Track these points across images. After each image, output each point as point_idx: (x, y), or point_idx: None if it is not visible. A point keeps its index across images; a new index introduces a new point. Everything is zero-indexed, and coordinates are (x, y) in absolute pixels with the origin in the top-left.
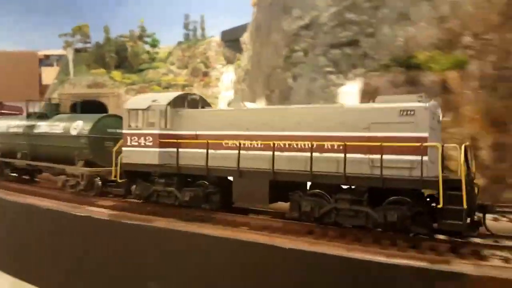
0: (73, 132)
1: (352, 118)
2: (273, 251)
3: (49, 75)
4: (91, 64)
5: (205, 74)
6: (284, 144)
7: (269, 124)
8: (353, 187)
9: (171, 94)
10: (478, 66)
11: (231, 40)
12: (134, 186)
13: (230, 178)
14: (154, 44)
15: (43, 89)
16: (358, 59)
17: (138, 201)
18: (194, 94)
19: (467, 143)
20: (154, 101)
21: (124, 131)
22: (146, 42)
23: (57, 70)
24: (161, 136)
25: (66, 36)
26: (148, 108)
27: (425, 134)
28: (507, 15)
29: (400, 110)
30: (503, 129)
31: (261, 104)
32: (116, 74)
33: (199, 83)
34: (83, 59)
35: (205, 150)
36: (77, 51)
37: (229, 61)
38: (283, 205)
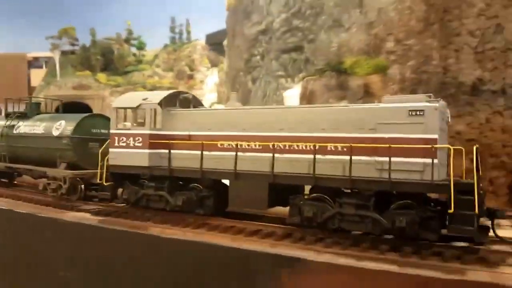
0: (55, 133)
1: (357, 118)
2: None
3: (37, 77)
4: (77, 66)
5: (190, 77)
6: (284, 146)
7: (267, 125)
8: (357, 191)
9: (163, 93)
10: (398, 70)
11: (216, 43)
12: (120, 190)
13: (225, 181)
14: (140, 47)
15: (31, 90)
16: (302, 64)
17: (125, 205)
18: (187, 92)
19: (477, 146)
20: (144, 99)
21: (111, 131)
22: (132, 45)
23: (46, 72)
24: (152, 136)
25: (53, 38)
26: (138, 107)
27: (435, 136)
28: (427, 22)
29: (409, 110)
30: None
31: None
32: (101, 76)
33: (184, 85)
34: (70, 61)
35: (198, 152)
36: (65, 53)
37: (214, 64)
38: (280, 210)
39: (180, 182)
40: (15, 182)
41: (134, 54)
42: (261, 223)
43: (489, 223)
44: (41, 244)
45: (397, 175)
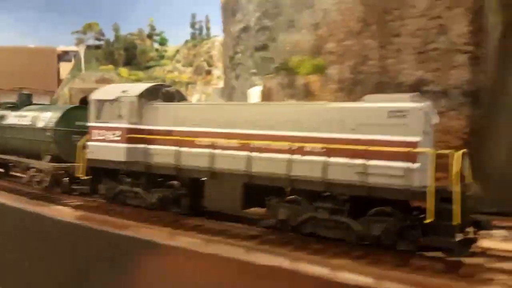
0: (40, 125)
1: (338, 118)
2: None
3: (66, 70)
4: (101, 61)
5: (208, 72)
6: (262, 144)
7: (247, 122)
8: (333, 195)
9: (143, 85)
10: (337, 70)
11: None
12: (101, 185)
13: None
14: (162, 43)
15: (60, 83)
16: (267, 62)
17: (104, 201)
18: (169, 86)
19: (464, 150)
20: (123, 92)
21: (89, 124)
22: (155, 41)
23: (72, 65)
24: (130, 130)
25: (78, 33)
26: (116, 99)
27: (417, 139)
28: (365, 22)
29: (391, 111)
30: None
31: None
32: (123, 70)
33: (202, 81)
34: (95, 55)
35: (176, 148)
36: (90, 47)
37: None
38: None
39: (160, 179)
40: (12, 173)
41: (157, 50)
42: None
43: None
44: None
45: (377, 179)
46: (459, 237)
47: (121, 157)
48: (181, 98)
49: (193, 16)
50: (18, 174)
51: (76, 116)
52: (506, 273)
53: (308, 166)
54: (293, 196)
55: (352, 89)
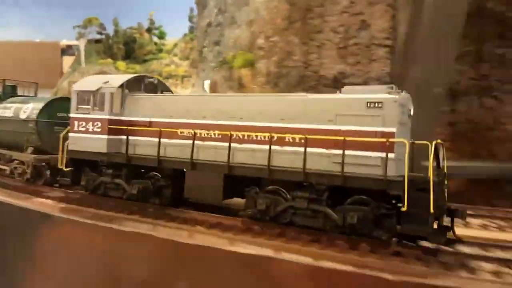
0: (22, 116)
1: (316, 109)
2: None
3: (69, 63)
4: (101, 54)
5: None
6: (243, 135)
7: (227, 113)
8: (311, 185)
9: (125, 76)
10: (265, 64)
11: None
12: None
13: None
14: (161, 36)
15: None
16: (219, 56)
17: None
18: (152, 77)
19: (439, 141)
20: (105, 83)
21: (71, 115)
22: (154, 34)
23: (73, 59)
24: (111, 122)
25: (79, 27)
26: (97, 90)
27: (393, 129)
28: (290, 20)
29: (368, 102)
30: None
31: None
32: (121, 64)
33: (196, 74)
34: (95, 49)
35: (157, 139)
36: (93, 42)
37: None
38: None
39: (142, 170)
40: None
41: (155, 43)
42: None
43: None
44: None
45: (354, 169)
46: (434, 225)
47: (102, 149)
48: (164, 89)
49: (191, 10)
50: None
51: (58, 107)
52: (485, 260)
53: (288, 156)
54: (272, 187)
55: (277, 82)
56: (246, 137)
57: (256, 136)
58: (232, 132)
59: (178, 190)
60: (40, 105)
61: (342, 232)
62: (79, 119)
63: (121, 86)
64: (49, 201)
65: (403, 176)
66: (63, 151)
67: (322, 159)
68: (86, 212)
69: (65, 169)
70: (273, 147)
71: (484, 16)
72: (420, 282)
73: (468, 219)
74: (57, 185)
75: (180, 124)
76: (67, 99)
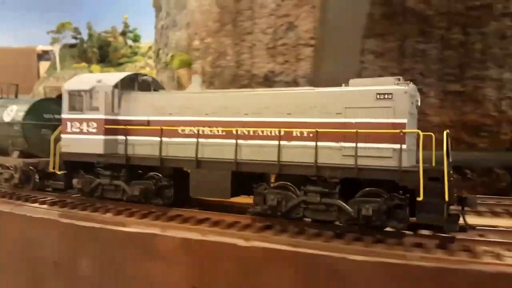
0: (7, 119)
1: (324, 102)
2: None
3: (46, 69)
4: (76, 59)
5: None
6: (248, 131)
7: (231, 109)
8: (323, 178)
9: (119, 74)
10: (200, 64)
11: None
12: (75, 179)
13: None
14: (135, 39)
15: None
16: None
17: (80, 196)
18: (146, 75)
19: (448, 131)
20: (98, 81)
21: (63, 116)
22: (129, 37)
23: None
24: (107, 121)
25: (53, 32)
26: (91, 90)
27: (404, 120)
28: (221, 23)
29: (377, 94)
30: None
31: None
32: (95, 68)
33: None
34: (71, 54)
35: (158, 138)
36: (67, 46)
37: None
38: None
39: (140, 171)
40: None
41: (130, 46)
42: None
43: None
44: None
45: (365, 161)
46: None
47: (99, 150)
48: (158, 87)
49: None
50: None
51: (45, 108)
52: (498, 245)
53: (297, 151)
54: (282, 182)
55: (212, 81)
56: (252, 133)
57: (262, 131)
58: (238, 128)
59: (181, 189)
60: (25, 107)
61: (355, 224)
62: (72, 120)
63: (116, 85)
64: None
65: (416, 166)
66: (54, 154)
67: (332, 153)
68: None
69: (58, 173)
70: (281, 142)
71: (406, 15)
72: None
73: None
74: (49, 189)
75: (181, 122)
76: (53, 100)
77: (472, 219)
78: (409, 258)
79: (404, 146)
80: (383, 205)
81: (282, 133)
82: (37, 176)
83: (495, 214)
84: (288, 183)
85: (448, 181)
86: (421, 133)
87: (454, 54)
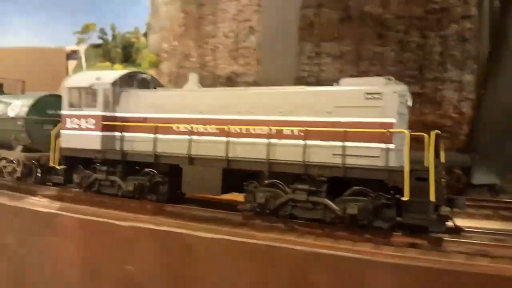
0: (11, 114)
1: (314, 101)
2: None
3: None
4: (100, 58)
5: None
6: (240, 129)
7: (224, 107)
8: (311, 177)
9: (117, 72)
10: (167, 66)
11: None
12: (75, 174)
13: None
14: None
15: None
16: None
17: (79, 190)
18: (145, 73)
19: (437, 131)
20: (97, 79)
21: (63, 112)
22: None
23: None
24: (105, 118)
25: (79, 33)
26: (90, 87)
27: (392, 120)
28: (186, 27)
29: (366, 93)
30: None
31: None
32: (118, 67)
33: None
34: (97, 54)
35: (150, 135)
36: (94, 46)
37: None
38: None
39: (137, 167)
40: None
41: None
42: None
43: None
44: None
45: (353, 160)
46: (434, 215)
47: (96, 146)
48: (157, 84)
49: None
50: None
51: (48, 104)
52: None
53: (287, 149)
54: (271, 180)
55: (178, 81)
56: (244, 131)
57: (254, 129)
58: (230, 126)
59: (175, 185)
60: (28, 102)
61: (341, 223)
62: (71, 116)
63: (114, 82)
64: None
65: (403, 166)
66: (55, 149)
67: (321, 151)
68: None
69: (58, 167)
70: (271, 140)
71: (364, 19)
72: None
73: None
74: (49, 183)
75: (176, 119)
76: (56, 96)
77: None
78: (242, 235)
79: (391, 146)
80: (369, 204)
81: (273, 131)
82: (39, 170)
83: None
84: (279, 182)
85: (437, 181)
86: (407, 133)
87: (413, 56)
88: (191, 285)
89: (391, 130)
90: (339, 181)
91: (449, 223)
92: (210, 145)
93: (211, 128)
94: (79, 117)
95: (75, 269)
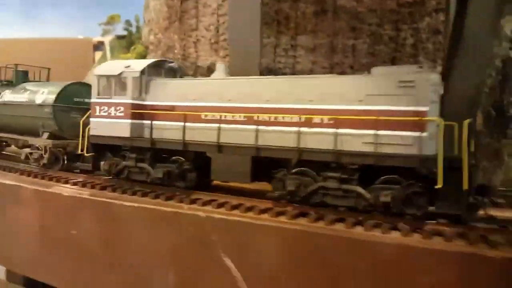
0: (38, 101)
1: (345, 90)
2: None
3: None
4: (124, 49)
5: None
6: (269, 118)
7: (253, 96)
8: (342, 165)
9: (146, 61)
10: (153, 57)
11: None
12: (102, 161)
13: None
14: None
15: None
16: None
17: (107, 177)
18: (172, 61)
19: (470, 120)
20: (127, 67)
21: (92, 100)
22: None
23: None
24: (134, 106)
25: (104, 24)
26: (120, 75)
27: (425, 108)
28: (170, 20)
29: (399, 81)
30: None
31: None
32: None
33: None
34: (120, 45)
35: (182, 123)
36: (119, 38)
37: None
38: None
39: (164, 155)
40: (3, 152)
41: None
42: None
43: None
44: None
45: (385, 149)
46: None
47: (126, 133)
48: (183, 74)
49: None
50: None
51: (75, 92)
52: None
53: (317, 137)
54: (301, 168)
55: None
56: (273, 119)
57: (283, 118)
58: (259, 115)
59: (203, 173)
60: (56, 89)
61: (374, 211)
62: (100, 104)
63: (143, 70)
64: None
65: (436, 154)
66: (83, 136)
67: (352, 140)
68: None
69: (86, 155)
70: (301, 128)
71: (338, 12)
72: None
73: None
74: (77, 170)
75: (204, 108)
76: (84, 84)
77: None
78: (151, 203)
79: (424, 134)
80: (402, 192)
81: (303, 119)
82: (65, 158)
83: None
84: (307, 169)
85: (470, 170)
86: (442, 122)
87: (385, 49)
88: (119, 247)
89: (425, 118)
90: (369, 170)
91: (482, 212)
92: (239, 133)
93: (239, 116)
94: (108, 105)
95: (33, 235)
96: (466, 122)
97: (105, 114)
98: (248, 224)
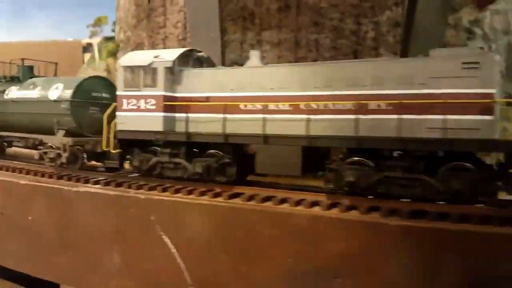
0: (52, 97)
1: (404, 73)
2: None
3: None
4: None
5: None
6: (318, 105)
7: (300, 83)
8: (404, 153)
9: (176, 50)
10: (123, 54)
11: None
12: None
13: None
14: None
15: None
16: None
17: (135, 174)
18: (200, 51)
19: None
20: (156, 57)
21: (118, 93)
22: None
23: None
24: (166, 98)
25: (92, 26)
26: (149, 65)
27: (493, 90)
28: (138, 18)
29: (463, 63)
30: None
31: None
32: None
33: None
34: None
35: (218, 115)
36: (106, 39)
37: None
38: None
39: (194, 149)
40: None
41: None
42: None
43: None
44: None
45: (453, 134)
46: None
47: (158, 127)
48: (211, 64)
49: None
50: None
51: (92, 86)
52: None
53: (378, 124)
54: (355, 158)
55: None
56: (323, 107)
57: (334, 105)
58: (308, 103)
59: (244, 166)
60: (72, 84)
61: (444, 199)
62: (128, 97)
63: (175, 60)
64: None
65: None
66: (108, 132)
67: (413, 125)
68: None
69: (112, 151)
70: (359, 116)
71: (301, 8)
72: None
73: None
74: (100, 168)
75: (243, 98)
76: (101, 78)
77: None
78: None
79: (492, 117)
80: (472, 179)
81: (360, 106)
82: (85, 156)
83: None
84: (363, 159)
85: None
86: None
87: (347, 42)
88: (70, 230)
89: (495, 100)
90: (432, 156)
91: None
92: (285, 123)
93: (284, 105)
94: (137, 97)
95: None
96: None
97: (134, 107)
98: (183, 203)
